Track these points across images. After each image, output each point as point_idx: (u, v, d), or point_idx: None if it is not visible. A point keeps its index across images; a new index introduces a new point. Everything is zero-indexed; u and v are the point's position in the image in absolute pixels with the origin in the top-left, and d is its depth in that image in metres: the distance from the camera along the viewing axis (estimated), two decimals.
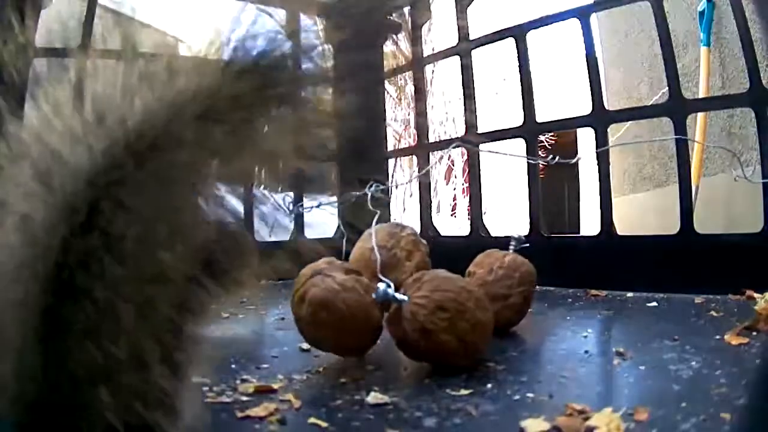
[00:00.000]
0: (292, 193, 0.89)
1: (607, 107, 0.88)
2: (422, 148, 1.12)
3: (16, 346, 0.24)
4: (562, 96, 2.35)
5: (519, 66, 0.97)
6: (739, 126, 1.42)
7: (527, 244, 0.62)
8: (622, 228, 0.88)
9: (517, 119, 0.96)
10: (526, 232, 0.91)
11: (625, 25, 1.98)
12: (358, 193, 0.80)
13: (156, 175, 0.25)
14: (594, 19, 0.93)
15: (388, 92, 1.20)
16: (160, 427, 0.25)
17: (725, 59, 1.50)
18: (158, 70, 0.27)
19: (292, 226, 0.98)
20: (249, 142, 0.28)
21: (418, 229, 0.78)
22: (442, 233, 1.10)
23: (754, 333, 0.51)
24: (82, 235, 0.24)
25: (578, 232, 2.74)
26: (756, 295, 0.65)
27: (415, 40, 1.14)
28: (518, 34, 0.96)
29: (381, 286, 0.46)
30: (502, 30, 0.99)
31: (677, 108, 0.82)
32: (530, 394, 0.39)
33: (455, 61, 1.06)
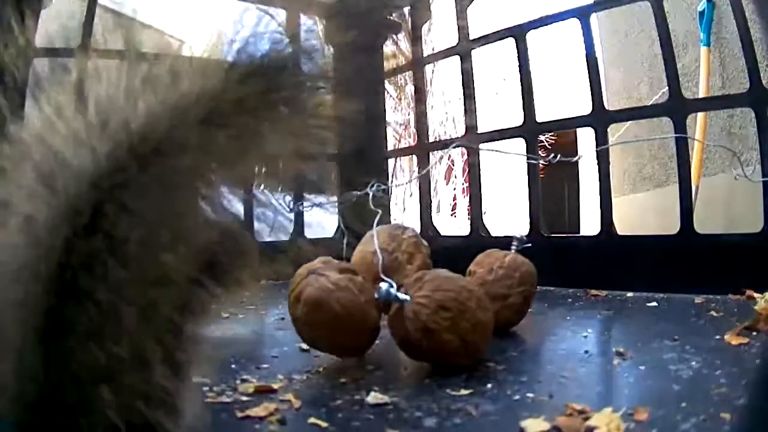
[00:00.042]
0: (292, 193, 0.89)
1: (607, 107, 0.88)
2: (422, 148, 1.12)
3: (17, 346, 0.24)
4: (562, 96, 2.35)
5: (519, 66, 0.97)
6: (739, 126, 1.42)
7: (529, 245, 0.62)
8: (622, 228, 0.88)
9: (517, 119, 0.96)
10: (526, 232, 0.91)
11: (625, 25, 1.98)
12: (358, 193, 0.79)
13: (159, 179, 0.25)
14: (594, 19, 0.92)
15: (388, 92, 1.19)
16: (162, 426, 0.25)
17: (725, 59, 1.50)
18: (161, 73, 0.27)
19: (292, 226, 0.98)
20: (252, 146, 0.28)
21: (418, 229, 0.78)
22: (442, 233, 1.10)
23: (754, 333, 0.51)
24: (86, 237, 0.24)
25: (578, 232, 2.74)
26: (756, 295, 0.65)
27: (415, 40, 1.14)
28: (518, 34, 0.96)
29: (383, 285, 0.46)
30: (502, 30, 0.99)
31: (677, 108, 0.82)
32: (530, 394, 0.39)
33: (455, 61, 1.06)
